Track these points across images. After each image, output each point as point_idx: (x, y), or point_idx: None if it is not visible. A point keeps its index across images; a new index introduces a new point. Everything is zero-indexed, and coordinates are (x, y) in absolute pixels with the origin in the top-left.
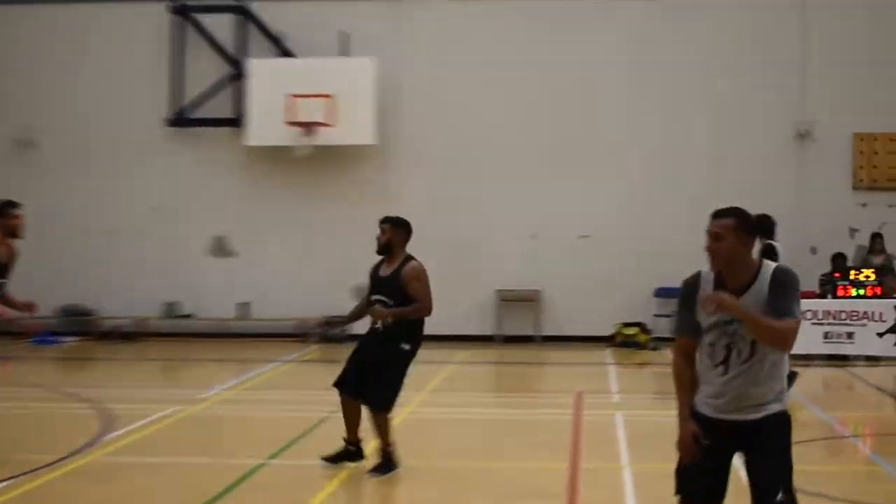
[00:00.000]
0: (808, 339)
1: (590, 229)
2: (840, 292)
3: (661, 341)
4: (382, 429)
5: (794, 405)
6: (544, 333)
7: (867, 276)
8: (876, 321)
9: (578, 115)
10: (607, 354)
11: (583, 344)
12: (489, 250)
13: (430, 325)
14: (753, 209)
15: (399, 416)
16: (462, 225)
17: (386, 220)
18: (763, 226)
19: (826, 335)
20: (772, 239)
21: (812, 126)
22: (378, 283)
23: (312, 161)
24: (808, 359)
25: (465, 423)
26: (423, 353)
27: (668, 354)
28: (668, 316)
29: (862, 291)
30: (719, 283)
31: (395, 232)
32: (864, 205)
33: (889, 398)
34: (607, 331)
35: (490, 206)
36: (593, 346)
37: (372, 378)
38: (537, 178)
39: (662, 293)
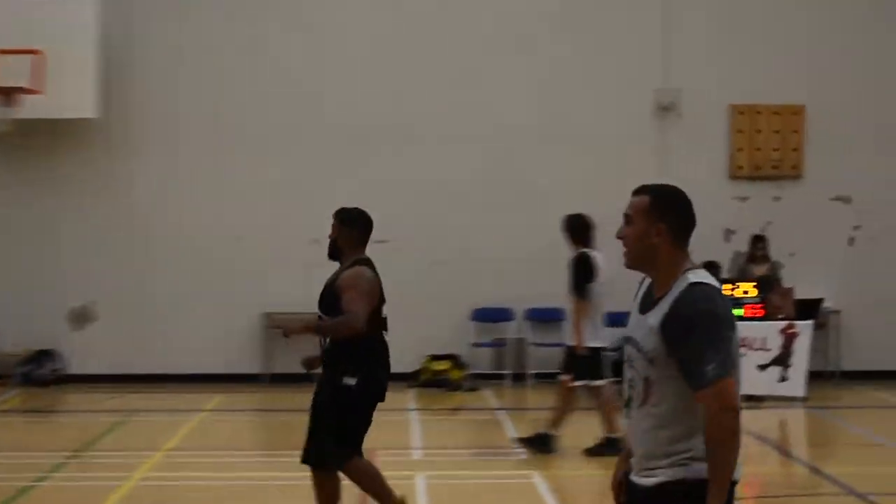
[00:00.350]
0: None
1: (387, 232)
2: None
3: (481, 379)
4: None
5: None
6: None
7: (746, 292)
8: (757, 350)
9: (372, 86)
10: (410, 397)
11: None
12: (252, 261)
13: (165, 364)
14: (600, 204)
15: (121, 486)
16: (216, 227)
17: (336, 214)
18: (576, 227)
19: None
20: (587, 245)
21: (677, 96)
22: (321, 294)
23: (13, 140)
24: None
25: (215, 491)
26: (162, 398)
27: (488, 396)
28: (489, 345)
29: (740, 311)
30: (648, 292)
31: (342, 230)
32: (743, 198)
33: (773, 449)
34: (410, 366)
35: (255, 201)
36: (393, 387)
37: (313, 426)
38: (318, 166)
39: (482, 316)
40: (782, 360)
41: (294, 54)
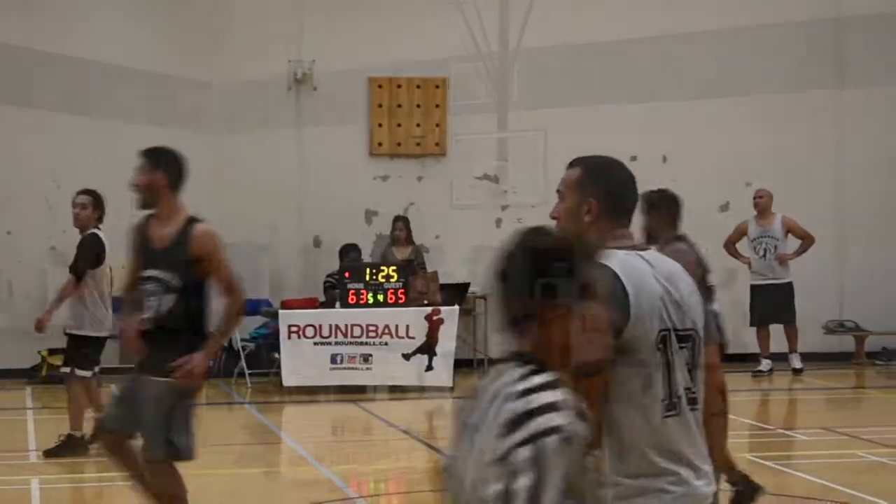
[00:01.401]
0: (308, 365)
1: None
2: (352, 299)
3: (109, 373)
4: None
5: (293, 459)
6: None
7: (388, 277)
8: (401, 338)
9: None
10: (27, 395)
11: None
12: None
13: None
14: (232, 183)
15: None
16: None
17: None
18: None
19: (334, 359)
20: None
21: (310, 67)
22: None
23: None
24: (310, 392)
25: None
26: None
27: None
28: (114, 337)
29: (382, 297)
30: None
31: (651, 214)
32: (384, 178)
33: (419, 443)
34: (29, 361)
35: None
36: (10, 384)
37: None
38: None
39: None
40: (428, 348)
41: None
